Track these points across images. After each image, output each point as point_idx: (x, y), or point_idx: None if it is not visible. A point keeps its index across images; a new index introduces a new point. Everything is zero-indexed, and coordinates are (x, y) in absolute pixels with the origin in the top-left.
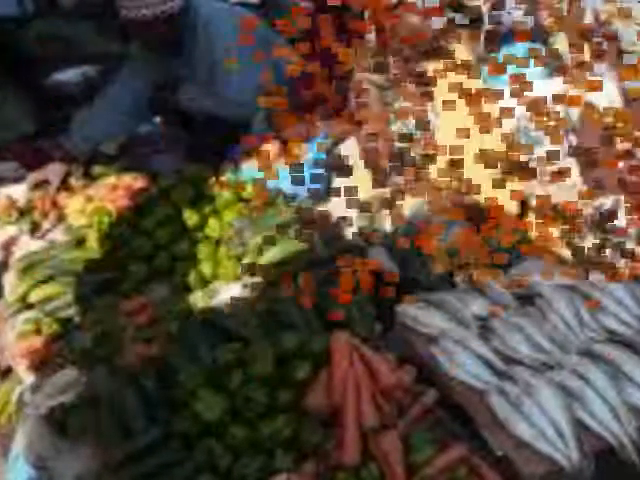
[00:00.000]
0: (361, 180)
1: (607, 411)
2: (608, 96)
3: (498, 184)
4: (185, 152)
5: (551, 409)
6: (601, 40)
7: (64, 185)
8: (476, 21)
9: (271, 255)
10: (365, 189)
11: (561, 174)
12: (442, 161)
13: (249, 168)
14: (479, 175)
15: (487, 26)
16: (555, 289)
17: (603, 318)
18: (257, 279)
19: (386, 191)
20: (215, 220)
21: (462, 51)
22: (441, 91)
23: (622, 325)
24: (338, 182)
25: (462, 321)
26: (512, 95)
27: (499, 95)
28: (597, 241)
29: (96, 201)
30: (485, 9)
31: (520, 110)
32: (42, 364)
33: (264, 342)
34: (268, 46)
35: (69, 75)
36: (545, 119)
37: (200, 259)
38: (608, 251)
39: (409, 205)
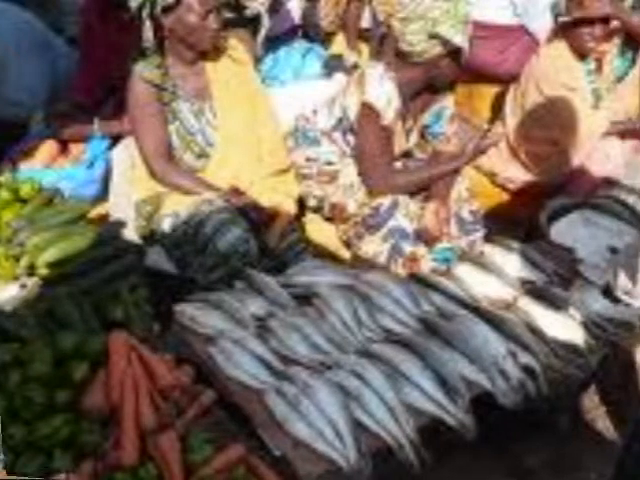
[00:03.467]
0: (138, 180)
1: (385, 411)
2: (387, 95)
3: (273, 184)
4: None
5: (329, 409)
6: (379, 40)
7: None
8: (254, 20)
9: (49, 255)
10: (142, 189)
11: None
12: (216, 160)
13: (27, 168)
14: (255, 174)
15: (265, 26)
16: (333, 289)
17: (381, 318)
18: (35, 279)
19: (164, 191)
20: None
21: (240, 51)
22: (219, 90)
23: (399, 325)
24: (116, 183)
25: (240, 321)
26: None
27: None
28: (374, 240)
29: None
30: (263, 9)
31: (300, 110)
32: None
33: (42, 342)
34: (47, 46)
35: None
36: None
37: None
38: (386, 250)
39: (187, 205)
